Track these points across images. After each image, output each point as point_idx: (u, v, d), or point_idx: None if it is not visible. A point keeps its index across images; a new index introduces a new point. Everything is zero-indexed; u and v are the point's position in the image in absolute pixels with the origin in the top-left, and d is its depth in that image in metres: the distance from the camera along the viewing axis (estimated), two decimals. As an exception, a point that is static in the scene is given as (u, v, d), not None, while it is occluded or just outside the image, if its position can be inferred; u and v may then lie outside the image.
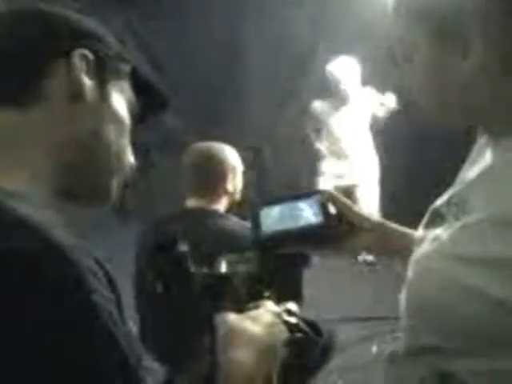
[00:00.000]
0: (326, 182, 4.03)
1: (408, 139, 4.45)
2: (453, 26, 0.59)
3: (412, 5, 0.64)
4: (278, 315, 0.74)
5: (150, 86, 0.74)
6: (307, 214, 0.87)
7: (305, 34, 4.78)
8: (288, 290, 0.90)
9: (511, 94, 0.60)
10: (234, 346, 0.63)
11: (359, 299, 3.40)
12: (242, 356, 0.62)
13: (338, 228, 0.85)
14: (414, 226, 0.79)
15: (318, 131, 4.10)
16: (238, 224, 1.66)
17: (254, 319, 0.67)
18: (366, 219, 0.86)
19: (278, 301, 0.82)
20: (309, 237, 0.86)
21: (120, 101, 0.65)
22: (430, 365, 0.61)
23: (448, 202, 0.69)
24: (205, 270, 0.88)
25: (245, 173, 1.84)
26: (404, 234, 0.86)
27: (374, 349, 2.76)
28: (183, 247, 0.89)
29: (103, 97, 0.62)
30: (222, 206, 1.75)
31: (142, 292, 1.70)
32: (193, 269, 0.88)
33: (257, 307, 0.74)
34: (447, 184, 0.74)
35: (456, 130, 0.68)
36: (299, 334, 0.81)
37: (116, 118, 0.63)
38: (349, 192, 4.04)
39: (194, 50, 4.88)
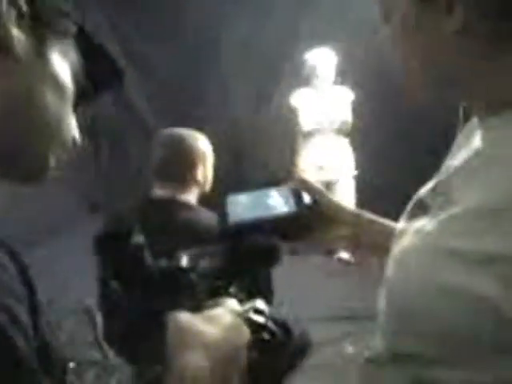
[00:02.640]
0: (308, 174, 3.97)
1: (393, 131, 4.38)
2: None
3: None
4: (240, 315, 0.66)
5: (101, 52, 0.67)
6: (278, 202, 0.80)
7: (287, 23, 4.70)
8: (256, 287, 0.84)
9: (500, 63, 0.53)
10: (186, 349, 0.54)
11: (332, 298, 3.35)
12: (195, 360, 0.54)
13: (312, 218, 0.78)
14: (396, 217, 0.72)
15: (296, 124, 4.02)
16: (205, 216, 1.56)
17: (211, 320, 0.58)
18: (342, 209, 0.79)
19: (246, 298, 0.76)
20: (279, 227, 0.78)
21: (61, 63, 0.57)
22: (412, 373, 0.54)
23: (433, 191, 0.62)
24: (163, 263, 0.81)
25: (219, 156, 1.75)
26: (384, 227, 0.79)
27: (350, 349, 2.70)
28: (139, 239, 0.82)
29: (39, 55, 0.54)
30: (191, 195, 1.65)
31: (103, 287, 1.61)
32: (149, 261, 0.81)
33: (216, 305, 0.66)
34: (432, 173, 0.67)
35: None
36: (266, 335, 0.74)
37: (54, 80, 0.56)
38: (330, 186, 3.98)
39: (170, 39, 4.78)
